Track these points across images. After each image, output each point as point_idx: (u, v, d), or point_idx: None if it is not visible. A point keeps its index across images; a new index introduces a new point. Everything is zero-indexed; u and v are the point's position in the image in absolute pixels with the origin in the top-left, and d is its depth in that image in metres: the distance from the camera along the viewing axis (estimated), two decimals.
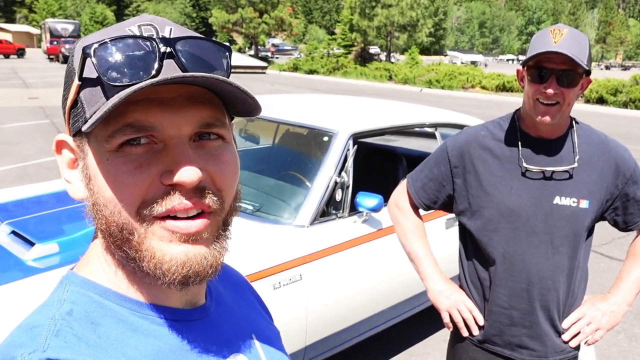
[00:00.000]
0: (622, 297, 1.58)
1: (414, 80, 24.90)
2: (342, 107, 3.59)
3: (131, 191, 0.55)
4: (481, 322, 1.60)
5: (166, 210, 0.56)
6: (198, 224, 0.57)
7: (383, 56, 37.26)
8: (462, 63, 39.84)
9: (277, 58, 46.38)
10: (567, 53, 1.35)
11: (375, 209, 2.67)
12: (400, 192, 1.77)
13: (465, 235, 1.66)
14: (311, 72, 30.38)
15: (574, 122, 1.55)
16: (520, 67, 1.49)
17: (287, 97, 4.03)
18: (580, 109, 16.23)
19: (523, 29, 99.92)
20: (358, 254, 2.67)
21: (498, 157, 1.54)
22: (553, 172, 1.49)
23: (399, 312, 3.02)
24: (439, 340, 3.39)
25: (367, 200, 2.67)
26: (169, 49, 0.55)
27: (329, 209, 2.68)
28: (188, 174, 0.55)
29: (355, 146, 2.78)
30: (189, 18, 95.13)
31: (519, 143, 1.52)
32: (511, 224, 1.51)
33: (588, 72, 1.42)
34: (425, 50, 49.44)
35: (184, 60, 0.56)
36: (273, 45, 63.45)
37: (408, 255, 1.75)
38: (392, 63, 31.54)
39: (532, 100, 1.44)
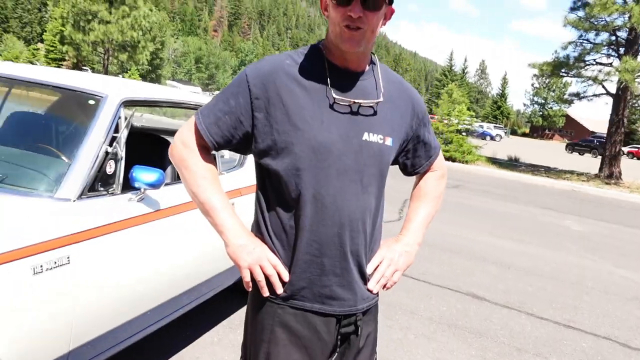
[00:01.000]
0: (412, 237, 1.58)
1: None
2: (104, 78, 3.09)
3: None
4: (286, 278, 1.39)
5: None
6: None
7: None
8: None
9: None
10: None
11: (155, 185, 2.33)
12: (188, 130, 1.45)
13: (266, 180, 1.43)
14: None
15: (375, 58, 1.50)
16: None
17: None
18: None
19: (237, 69, 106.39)
20: (136, 236, 2.27)
21: (306, 88, 1.38)
22: (360, 105, 1.40)
23: (182, 304, 2.67)
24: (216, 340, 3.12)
25: (145, 174, 2.31)
26: None
27: (97, 185, 2.21)
28: None
29: (133, 113, 2.39)
30: None
31: (327, 73, 1.39)
32: (323, 162, 1.35)
33: (391, 1, 1.38)
34: (142, 77, 48.21)
35: None
36: None
37: (201, 205, 1.43)
38: None
39: (338, 27, 1.33)
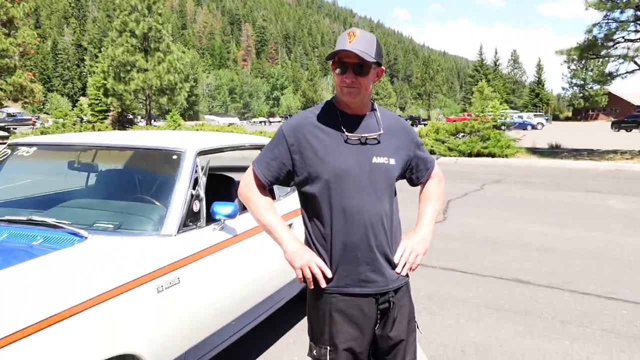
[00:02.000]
0: (426, 229, 2.06)
1: None
2: (177, 134, 3.73)
3: None
4: (329, 275, 1.88)
5: None
6: None
7: (140, 121, 36.53)
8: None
9: (15, 129, 41.67)
10: (357, 51, 1.78)
11: (232, 215, 2.89)
12: (248, 175, 2.03)
13: (306, 202, 1.96)
14: None
15: (375, 104, 2.05)
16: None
17: (109, 133, 3.98)
18: None
19: (269, 94, 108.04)
20: (223, 258, 2.85)
21: (326, 132, 1.91)
22: (367, 138, 1.92)
23: (260, 312, 3.23)
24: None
25: (223, 208, 2.88)
26: None
27: (188, 221, 2.80)
28: None
29: (208, 161, 2.99)
30: None
31: (340, 119, 1.93)
32: (345, 183, 1.87)
33: (379, 64, 1.87)
34: (181, 115, 49.99)
35: None
36: (9, 114, 56.72)
37: (264, 227, 1.99)
38: (155, 127, 31.24)
39: (339, 87, 1.89)
